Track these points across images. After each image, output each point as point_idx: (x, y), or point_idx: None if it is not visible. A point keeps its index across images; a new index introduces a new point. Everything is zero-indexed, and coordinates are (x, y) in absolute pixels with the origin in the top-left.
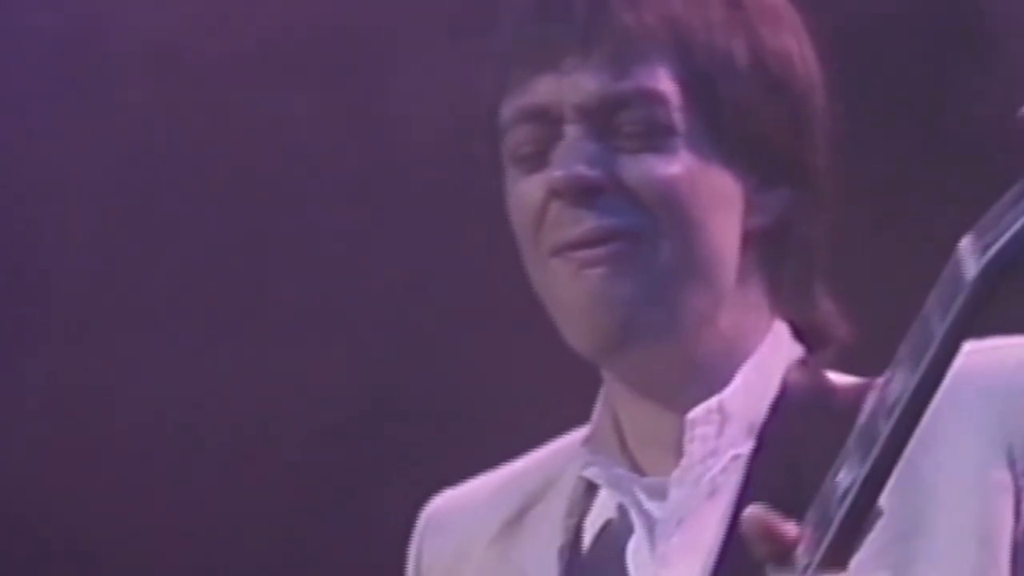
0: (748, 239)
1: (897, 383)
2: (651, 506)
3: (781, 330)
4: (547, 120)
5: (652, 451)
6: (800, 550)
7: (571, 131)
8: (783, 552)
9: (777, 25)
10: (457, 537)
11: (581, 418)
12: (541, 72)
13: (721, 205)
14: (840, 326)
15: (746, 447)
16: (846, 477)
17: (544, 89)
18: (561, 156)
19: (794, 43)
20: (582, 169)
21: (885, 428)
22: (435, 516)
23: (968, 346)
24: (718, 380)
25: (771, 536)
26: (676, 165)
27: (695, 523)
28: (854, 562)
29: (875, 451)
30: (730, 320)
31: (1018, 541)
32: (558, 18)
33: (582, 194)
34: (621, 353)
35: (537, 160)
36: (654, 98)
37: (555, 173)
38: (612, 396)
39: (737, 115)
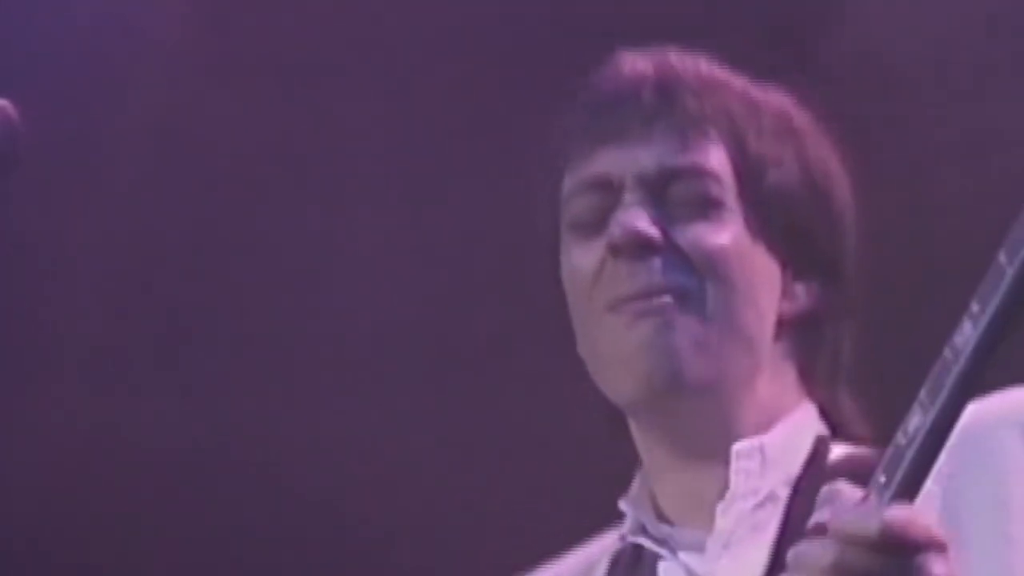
0: (782, 323)
1: (917, 415)
2: (688, 558)
3: (811, 408)
4: (608, 190)
5: (688, 512)
6: None
7: (629, 198)
8: None
9: (819, 139)
10: None
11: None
12: (605, 145)
13: (763, 279)
14: (861, 426)
15: (784, 492)
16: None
17: (607, 160)
18: (620, 217)
19: (834, 160)
20: (642, 225)
21: (908, 453)
22: None
23: None
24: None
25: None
26: (725, 235)
27: (740, 554)
28: None
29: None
30: (767, 390)
31: None
32: (628, 100)
33: (639, 249)
34: (667, 402)
35: (597, 227)
36: (708, 174)
37: (615, 232)
38: (649, 464)
39: (782, 205)
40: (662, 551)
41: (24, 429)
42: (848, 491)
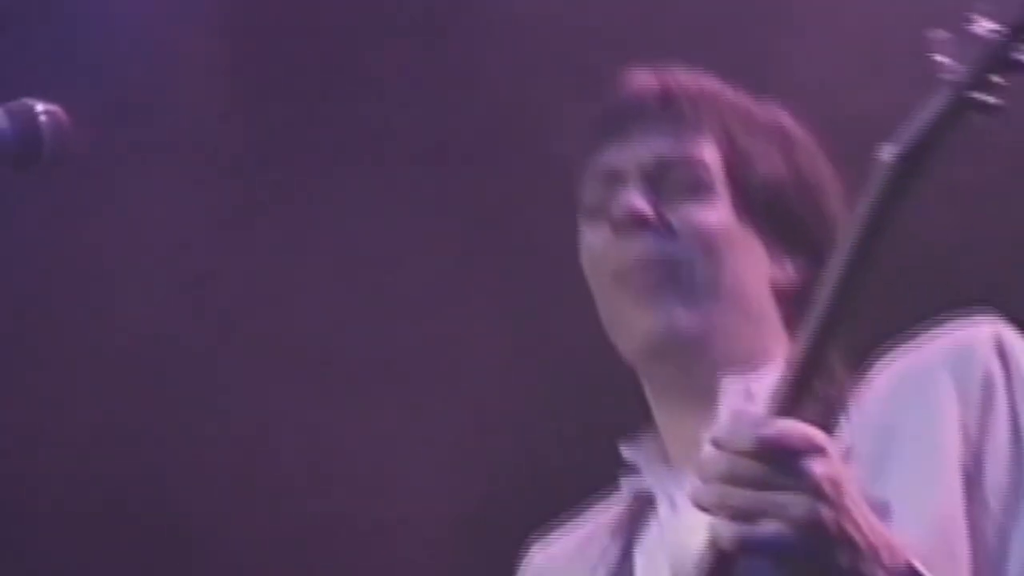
0: (775, 289)
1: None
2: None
3: None
4: (615, 180)
5: (690, 456)
6: None
7: (630, 185)
8: None
9: (808, 145)
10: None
11: None
12: (612, 143)
13: (748, 251)
14: (841, 369)
15: None
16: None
17: (613, 155)
18: (622, 199)
19: (822, 163)
20: (637, 203)
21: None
22: (532, 565)
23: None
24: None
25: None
26: (712, 214)
27: None
28: None
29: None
30: (756, 342)
31: (968, 471)
32: (633, 106)
33: (635, 225)
34: (664, 354)
35: (604, 211)
36: (699, 163)
37: (617, 211)
38: (657, 414)
39: (767, 191)
40: (658, 492)
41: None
42: (750, 412)
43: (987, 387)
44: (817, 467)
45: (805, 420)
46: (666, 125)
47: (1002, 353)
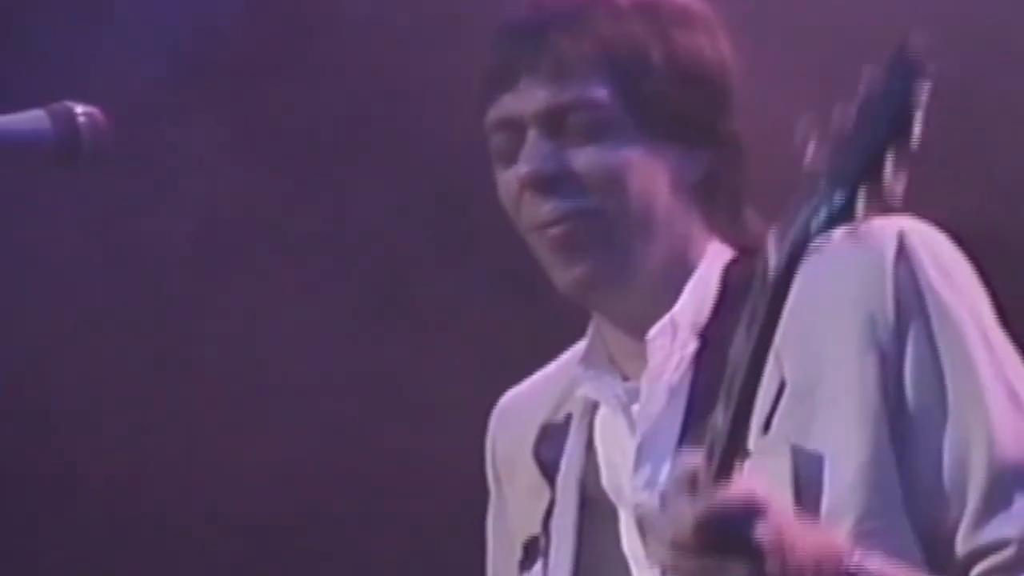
0: (684, 190)
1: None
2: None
3: (716, 247)
4: (513, 127)
5: (633, 363)
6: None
7: (531, 134)
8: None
9: (688, 26)
10: (513, 431)
11: None
12: (505, 91)
13: (653, 176)
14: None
15: (692, 347)
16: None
17: (508, 104)
18: (525, 155)
19: (704, 38)
20: (539, 164)
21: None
22: (501, 412)
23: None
24: (672, 301)
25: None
26: (613, 155)
27: (662, 425)
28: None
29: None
30: (676, 253)
31: (887, 392)
32: (517, 48)
33: (542, 185)
34: (594, 297)
35: (511, 158)
36: (590, 104)
37: (521, 170)
38: (599, 324)
39: (657, 104)
40: (600, 399)
41: None
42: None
43: (897, 305)
44: (759, 529)
45: None
46: (551, 66)
47: (907, 258)
